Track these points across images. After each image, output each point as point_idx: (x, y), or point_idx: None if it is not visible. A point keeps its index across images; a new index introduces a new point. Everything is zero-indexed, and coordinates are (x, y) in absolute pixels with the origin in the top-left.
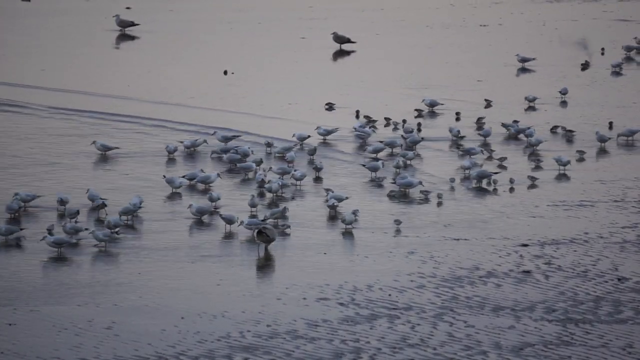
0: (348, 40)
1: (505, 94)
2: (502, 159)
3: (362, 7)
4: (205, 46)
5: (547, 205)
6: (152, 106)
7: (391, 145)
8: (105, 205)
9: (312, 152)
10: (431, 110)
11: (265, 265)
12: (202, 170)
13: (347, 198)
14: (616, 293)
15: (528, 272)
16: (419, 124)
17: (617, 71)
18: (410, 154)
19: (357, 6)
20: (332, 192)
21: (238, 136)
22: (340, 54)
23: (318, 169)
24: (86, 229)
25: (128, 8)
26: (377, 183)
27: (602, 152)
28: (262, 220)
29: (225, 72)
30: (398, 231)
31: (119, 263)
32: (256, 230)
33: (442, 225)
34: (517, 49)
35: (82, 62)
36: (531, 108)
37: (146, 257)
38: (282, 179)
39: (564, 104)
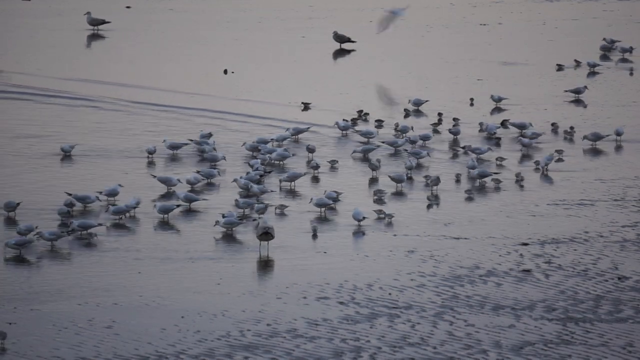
0: (348, 40)
1: (503, 93)
2: (501, 158)
3: (361, 7)
4: (205, 45)
5: (547, 204)
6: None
7: (393, 145)
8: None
9: (312, 150)
10: (417, 109)
11: (265, 264)
12: (214, 167)
13: (332, 202)
14: (616, 292)
15: (528, 271)
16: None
17: (593, 71)
18: (423, 152)
19: (357, 5)
20: (328, 193)
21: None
22: (340, 53)
23: (315, 167)
24: (36, 227)
25: (128, 7)
26: (374, 181)
27: (602, 151)
28: (240, 219)
29: (225, 72)
30: (380, 200)
31: (119, 262)
32: (260, 231)
33: (442, 224)
34: (517, 48)
35: (76, 58)
36: (498, 109)
37: (146, 256)
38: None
39: (566, 103)
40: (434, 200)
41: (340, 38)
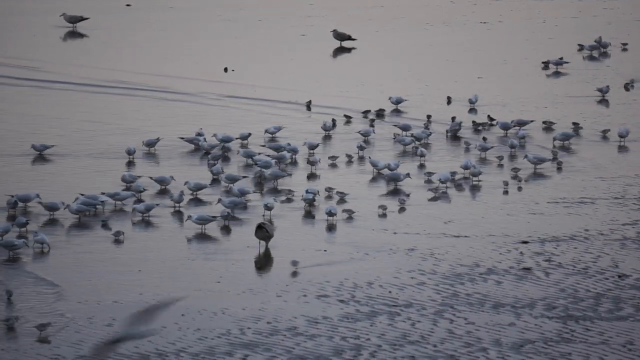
0: (348, 37)
1: (503, 91)
2: (500, 157)
3: (361, 5)
4: (205, 43)
5: (547, 202)
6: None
7: (402, 142)
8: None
9: (313, 147)
10: (397, 107)
11: (265, 262)
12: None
13: (314, 198)
14: (616, 290)
15: (528, 269)
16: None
17: (558, 70)
18: (420, 150)
19: (358, 4)
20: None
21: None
22: (340, 51)
23: (312, 163)
24: (12, 225)
25: (128, 5)
26: (375, 181)
27: (603, 149)
28: (213, 217)
29: (226, 70)
30: (295, 273)
31: (119, 260)
32: (255, 227)
33: (442, 222)
34: (518, 46)
35: (76, 58)
36: (473, 110)
37: (146, 254)
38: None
39: (565, 102)
40: (403, 203)
41: (340, 36)
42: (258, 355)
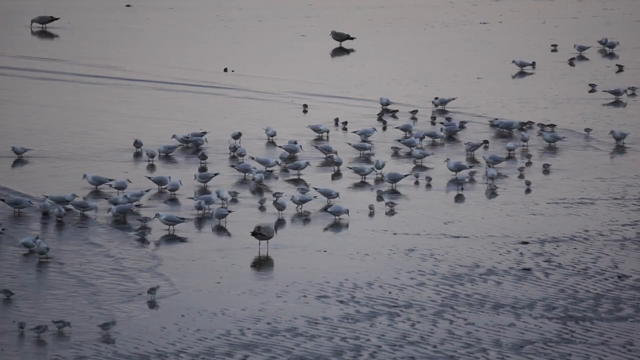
0: (347, 37)
1: (503, 92)
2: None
3: (361, 5)
4: (205, 44)
5: (547, 203)
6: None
7: (410, 144)
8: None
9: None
10: (385, 108)
11: (265, 263)
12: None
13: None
14: (616, 290)
15: (528, 269)
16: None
17: (522, 70)
18: (417, 152)
19: (358, 4)
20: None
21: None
22: (339, 51)
23: (338, 164)
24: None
25: (128, 6)
26: (373, 181)
27: (602, 149)
28: (182, 218)
29: (226, 70)
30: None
31: (119, 260)
32: (252, 231)
33: (442, 222)
34: (518, 47)
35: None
36: (441, 110)
37: (146, 254)
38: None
39: (563, 102)
40: (392, 206)
41: (339, 36)
42: (258, 356)
